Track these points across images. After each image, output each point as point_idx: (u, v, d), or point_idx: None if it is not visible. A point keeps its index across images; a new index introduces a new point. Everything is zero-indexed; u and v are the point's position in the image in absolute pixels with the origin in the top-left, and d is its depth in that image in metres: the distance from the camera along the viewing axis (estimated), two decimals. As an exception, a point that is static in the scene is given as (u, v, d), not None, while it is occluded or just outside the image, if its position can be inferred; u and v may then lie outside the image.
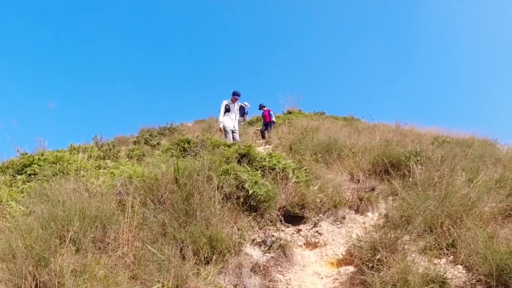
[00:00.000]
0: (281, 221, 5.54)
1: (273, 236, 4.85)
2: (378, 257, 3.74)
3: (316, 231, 5.24)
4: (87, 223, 3.84)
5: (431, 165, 5.99)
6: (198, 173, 4.96)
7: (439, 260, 3.80)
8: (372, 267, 3.70)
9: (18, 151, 7.60)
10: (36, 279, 3.16)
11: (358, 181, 6.80)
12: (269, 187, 5.31)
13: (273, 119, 16.28)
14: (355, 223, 5.46)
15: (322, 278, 4.30)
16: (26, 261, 3.20)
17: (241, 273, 4.05)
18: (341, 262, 4.55)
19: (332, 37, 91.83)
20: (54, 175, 5.76)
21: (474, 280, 3.44)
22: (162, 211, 4.43)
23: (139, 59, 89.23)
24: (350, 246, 4.48)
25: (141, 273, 3.50)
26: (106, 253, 3.72)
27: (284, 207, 5.63)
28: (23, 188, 5.47)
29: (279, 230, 5.27)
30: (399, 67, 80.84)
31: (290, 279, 4.21)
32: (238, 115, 11.41)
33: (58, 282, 3.15)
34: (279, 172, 6.14)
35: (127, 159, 8.10)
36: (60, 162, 6.58)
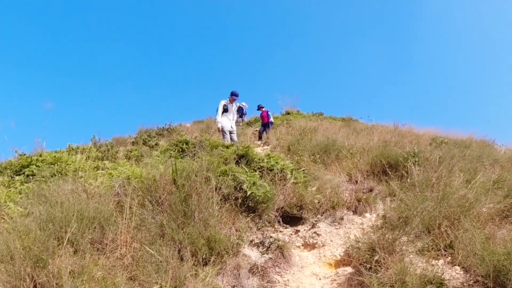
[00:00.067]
0: (279, 222, 5.55)
1: (271, 237, 4.86)
2: (376, 258, 3.75)
3: (314, 232, 5.24)
4: (85, 224, 3.84)
5: (429, 166, 6.00)
6: (196, 174, 4.95)
7: (436, 261, 3.81)
8: (370, 268, 3.71)
9: (16, 151, 7.59)
10: (34, 281, 3.16)
11: (356, 182, 6.81)
12: (267, 188, 5.32)
13: (271, 119, 16.29)
14: (353, 224, 5.47)
15: (320, 279, 4.31)
16: (24, 262, 3.19)
17: (239, 274, 4.05)
18: (339, 263, 4.56)
19: (330, 37, 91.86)
20: (52, 176, 5.76)
21: (472, 281, 3.45)
22: (160, 212, 4.43)
23: (138, 59, 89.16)
24: (348, 247, 4.49)
25: (139, 274, 3.50)
26: (104, 254, 3.72)
27: (282, 208, 5.63)
28: (21, 189, 5.47)
29: (277, 231, 5.28)
30: (397, 68, 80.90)
31: (288, 280, 4.22)
32: (236, 116, 11.41)
33: (56, 284, 3.15)
34: (277, 173, 6.14)
35: (125, 160, 8.09)
36: (58, 163, 6.58)
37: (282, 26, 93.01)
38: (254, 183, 5.29)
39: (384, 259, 3.67)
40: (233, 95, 10.76)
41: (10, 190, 5.39)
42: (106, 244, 3.84)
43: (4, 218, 4.28)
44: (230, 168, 5.59)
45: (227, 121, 10.69)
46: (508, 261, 3.17)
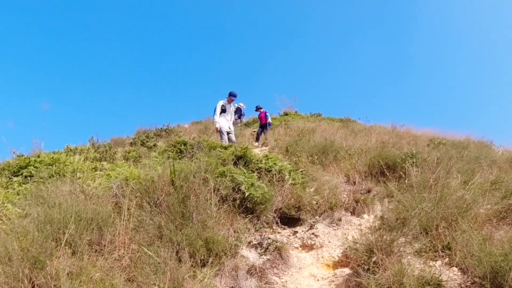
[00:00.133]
0: (277, 223, 5.55)
1: (269, 238, 4.86)
2: (373, 259, 3.76)
3: (312, 233, 5.25)
4: (83, 225, 3.84)
5: (427, 167, 6.01)
6: (195, 175, 4.96)
7: (434, 263, 3.82)
8: (368, 269, 3.72)
9: (14, 152, 7.59)
10: (32, 282, 3.16)
11: (354, 183, 6.82)
12: (265, 189, 5.32)
13: (269, 120, 16.29)
14: (351, 225, 5.47)
15: (318, 280, 4.31)
16: (22, 264, 3.20)
17: (237, 276, 4.06)
18: (337, 264, 4.57)
19: (329, 38, 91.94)
20: (50, 177, 5.76)
21: (469, 282, 3.46)
22: (158, 214, 4.44)
23: (136, 60, 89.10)
24: (346, 248, 4.49)
25: (138, 276, 3.50)
26: (102, 255, 3.72)
27: (280, 209, 5.64)
28: (19, 190, 5.46)
29: (275, 232, 5.28)
30: (396, 68, 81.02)
31: (286, 281, 4.22)
32: (233, 116, 11.40)
33: (54, 285, 3.15)
34: (275, 174, 6.14)
35: (123, 160, 8.10)
36: (56, 164, 6.57)
37: (280, 27, 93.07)
38: (252, 184, 5.29)
39: (382, 260, 3.68)
40: (231, 96, 10.75)
41: (8, 191, 5.38)
42: (104, 246, 3.84)
43: (2, 219, 4.28)
44: (228, 169, 5.59)
45: (225, 122, 10.68)
46: (506, 262, 3.18)
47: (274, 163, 6.53)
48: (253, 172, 6.14)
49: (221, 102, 10.65)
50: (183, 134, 15.84)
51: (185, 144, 8.37)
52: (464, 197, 4.50)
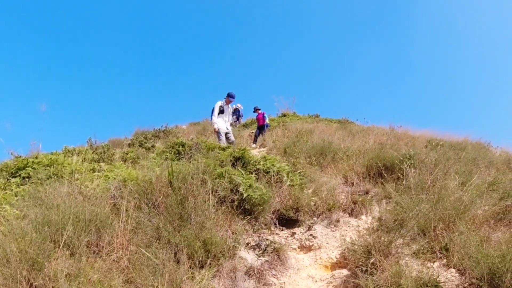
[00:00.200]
0: (275, 224, 5.55)
1: (267, 239, 4.86)
2: (371, 260, 3.76)
3: (311, 235, 5.25)
4: (81, 227, 3.84)
5: (425, 168, 6.03)
6: (193, 177, 4.96)
7: (432, 264, 3.83)
8: (366, 270, 3.72)
9: (12, 154, 7.57)
10: (31, 284, 3.16)
11: (352, 184, 6.83)
12: (263, 190, 5.33)
13: (267, 121, 16.31)
14: (349, 226, 5.48)
15: (316, 281, 4.31)
16: (20, 265, 3.19)
17: (235, 277, 4.06)
18: (335, 266, 4.57)
19: (327, 40, 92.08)
20: (48, 178, 5.75)
21: (467, 283, 3.47)
22: (156, 215, 4.44)
23: (134, 61, 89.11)
24: (344, 250, 4.50)
25: (136, 277, 3.50)
26: (101, 257, 3.71)
27: (278, 210, 5.64)
28: (17, 191, 5.45)
29: (273, 233, 5.28)
30: (393, 70, 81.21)
31: (284, 282, 4.23)
32: (231, 117, 11.38)
33: (53, 287, 3.14)
34: (273, 175, 6.15)
35: (121, 162, 8.08)
36: (54, 165, 6.56)
37: (279, 28, 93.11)
38: (250, 186, 5.30)
39: (379, 261, 3.69)
40: (230, 97, 10.72)
41: (6, 193, 5.37)
42: (103, 247, 3.84)
43: (0, 221, 4.27)
44: (226, 170, 5.59)
45: (223, 123, 10.65)
46: (503, 263, 3.19)
47: (272, 164, 6.53)
48: (251, 173, 6.15)
49: (219, 103, 10.60)
50: (181, 135, 15.85)
51: (183, 145, 8.37)
52: (461, 199, 4.51)
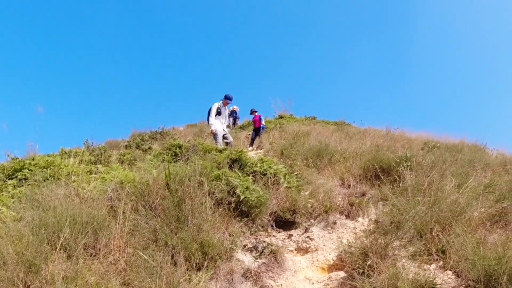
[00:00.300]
0: (272, 226, 5.55)
1: (264, 241, 4.87)
2: (368, 263, 3.77)
3: (307, 237, 5.26)
4: (78, 229, 3.83)
5: (421, 170, 6.04)
6: (190, 179, 4.96)
7: (428, 266, 3.84)
8: (363, 273, 3.73)
9: (8, 155, 7.56)
10: (27, 286, 3.15)
11: (349, 186, 6.84)
12: (260, 192, 5.33)
13: (263, 122, 16.33)
14: (346, 229, 5.49)
15: (313, 283, 4.32)
16: (17, 267, 3.18)
17: (232, 279, 4.06)
18: (332, 268, 4.58)
19: (324, 42, 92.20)
20: (45, 180, 5.73)
21: (463, 285, 3.48)
22: (153, 217, 4.43)
23: (131, 62, 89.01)
24: (341, 252, 4.51)
25: (133, 280, 3.50)
26: (98, 259, 3.71)
27: (275, 212, 5.64)
28: (14, 193, 5.44)
29: (270, 235, 5.29)
30: (390, 72, 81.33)
31: (281, 284, 4.23)
32: (227, 119, 11.36)
33: (49, 289, 3.14)
34: (270, 177, 6.15)
35: (118, 163, 8.06)
36: (51, 167, 6.54)
37: (276, 31, 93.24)
38: (247, 188, 5.30)
39: (376, 263, 3.70)
40: (227, 99, 10.69)
41: (2, 194, 5.36)
42: (100, 249, 3.83)
43: (-4, 223, 4.26)
44: (223, 172, 5.59)
45: (220, 124, 10.62)
46: (499, 265, 3.21)
47: (269, 166, 6.54)
48: (248, 175, 6.15)
49: (216, 105, 10.57)
50: (178, 137, 15.82)
51: (180, 147, 8.35)
52: (458, 201, 4.53)
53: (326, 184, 6.65)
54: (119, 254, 3.83)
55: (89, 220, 3.99)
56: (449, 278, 3.62)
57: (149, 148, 11.87)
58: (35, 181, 5.70)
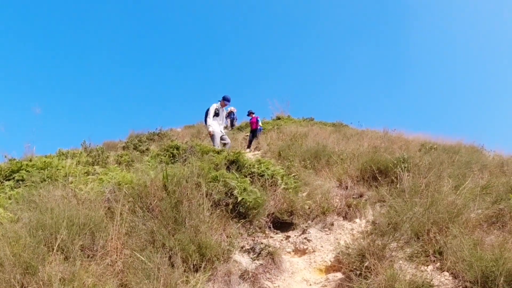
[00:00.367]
0: (270, 227, 5.55)
1: (261, 243, 4.86)
2: (366, 264, 3.78)
3: (305, 238, 5.26)
4: (76, 230, 3.83)
5: (419, 171, 6.05)
6: (187, 180, 4.96)
7: (426, 267, 3.85)
8: (360, 274, 3.74)
9: (6, 156, 7.54)
10: (24, 288, 3.15)
11: (347, 187, 6.84)
12: (258, 194, 5.32)
13: (260, 124, 16.36)
14: (343, 230, 5.49)
15: (310, 285, 4.32)
16: (14, 269, 3.18)
17: (230, 281, 4.06)
18: (329, 269, 4.58)
19: (321, 43, 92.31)
20: (42, 181, 5.73)
21: (461, 287, 3.49)
22: (151, 219, 4.43)
23: (128, 63, 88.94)
24: (339, 253, 4.51)
25: (130, 281, 3.49)
26: (95, 261, 3.70)
27: (273, 213, 5.64)
28: (11, 194, 5.43)
29: (268, 237, 5.28)
30: (388, 73, 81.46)
31: (279, 286, 4.23)
32: (225, 120, 11.35)
33: (46, 291, 3.14)
34: (268, 179, 6.15)
35: (116, 165, 8.06)
36: (49, 168, 6.53)
37: (273, 32, 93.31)
38: (244, 189, 5.29)
39: (374, 265, 3.70)
40: (225, 100, 10.69)
41: (-1, 196, 5.35)
42: (97, 251, 3.83)
43: (-7, 224, 4.25)
44: (221, 174, 5.59)
45: (217, 126, 10.62)
46: (496, 267, 3.22)
47: (267, 168, 6.54)
48: (246, 176, 6.15)
49: (214, 106, 10.57)
50: (176, 138, 15.85)
51: (177, 149, 8.35)
52: (455, 202, 4.54)
53: (324, 185, 6.66)
54: (116, 255, 3.83)
55: (86, 222, 3.99)
56: (446, 279, 3.63)
57: (147, 149, 11.87)
58: (32, 182, 5.70)
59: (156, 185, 4.94)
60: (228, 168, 6.51)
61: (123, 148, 13.23)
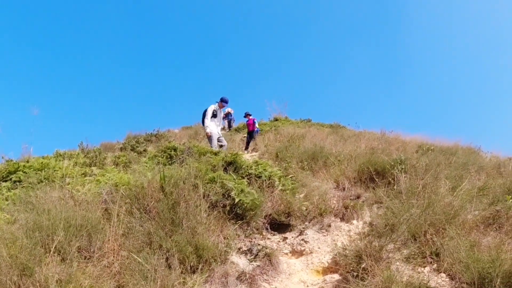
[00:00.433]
0: (267, 229, 5.55)
1: (259, 244, 4.86)
2: (363, 265, 3.78)
3: (302, 239, 5.26)
4: (72, 232, 3.82)
5: (416, 173, 6.06)
6: (184, 182, 4.95)
7: (422, 269, 3.85)
8: (357, 275, 3.74)
9: (3, 157, 7.53)
10: (21, 289, 3.14)
11: (344, 189, 6.85)
12: (255, 195, 5.32)
13: (257, 125, 16.38)
14: (340, 231, 5.49)
15: (308, 286, 4.32)
16: (11, 271, 3.17)
17: (227, 282, 4.05)
18: (326, 270, 4.58)
19: (319, 45, 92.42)
20: (39, 183, 5.72)
21: (457, 288, 3.49)
22: (148, 220, 4.42)
23: (126, 64, 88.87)
24: (336, 255, 4.51)
25: (127, 283, 3.49)
26: (92, 262, 3.70)
27: (270, 215, 5.64)
28: (8, 195, 5.43)
29: (265, 238, 5.28)
30: (385, 75, 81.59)
31: (276, 287, 4.23)
32: (222, 122, 11.35)
33: (43, 292, 3.13)
34: (265, 180, 6.15)
35: (113, 166, 8.06)
36: (46, 169, 6.53)
37: (270, 33, 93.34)
38: (242, 190, 5.30)
39: (371, 266, 3.70)
40: (223, 102, 10.69)
41: (-4, 197, 5.34)
42: (94, 252, 3.82)
43: (-10, 226, 4.24)
44: (218, 175, 5.59)
45: (215, 127, 10.61)
46: (493, 268, 3.22)
47: (264, 169, 6.54)
48: (243, 178, 6.15)
49: (212, 107, 10.55)
50: (173, 139, 15.84)
51: (175, 150, 8.35)
52: (452, 204, 4.54)
53: (321, 186, 6.66)
54: (113, 257, 3.82)
55: (83, 223, 3.99)
56: (443, 280, 3.63)
57: (144, 150, 11.87)
58: (29, 183, 5.70)
59: (153, 186, 4.93)
60: (225, 170, 6.51)
61: (121, 149, 13.22)
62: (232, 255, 4.52)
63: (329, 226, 5.58)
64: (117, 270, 3.68)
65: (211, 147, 9.92)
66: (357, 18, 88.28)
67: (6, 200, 5.23)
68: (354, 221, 5.70)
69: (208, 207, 4.85)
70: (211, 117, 10.52)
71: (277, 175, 6.47)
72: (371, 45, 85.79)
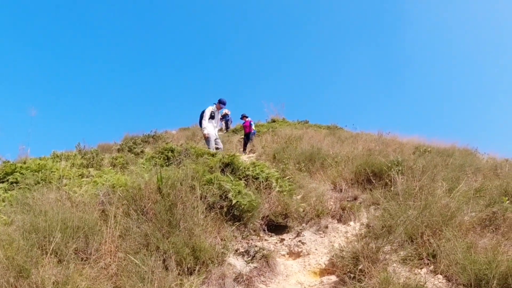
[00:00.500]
0: (264, 230, 5.55)
1: (256, 246, 4.86)
2: (360, 267, 3.78)
3: (299, 241, 5.26)
4: (69, 233, 3.82)
5: (413, 174, 6.07)
6: (182, 183, 4.95)
7: (419, 270, 3.85)
8: (354, 277, 3.74)
9: (0, 158, 7.52)
10: (17, 291, 3.14)
11: (341, 190, 6.86)
12: (253, 196, 5.32)
13: (253, 127, 16.40)
14: (337, 233, 5.50)
15: (305, 287, 4.32)
16: (7, 272, 3.17)
17: (224, 284, 4.05)
18: (323, 272, 4.58)
19: (316, 46, 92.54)
20: (36, 184, 5.71)
21: (454, 289, 3.50)
22: (145, 222, 4.42)
23: (123, 66, 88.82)
24: (333, 256, 4.51)
25: (124, 284, 3.48)
26: (89, 264, 3.69)
27: (267, 216, 5.64)
28: (5, 197, 5.41)
29: (262, 239, 5.28)
30: (383, 76, 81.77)
31: (273, 289, 4.23)
32: (220, 123, 11.35)
33: (40, 294, 3.13)
34: (262, 182, 6.15)
35: (110, 167, 8.06)
36: (43, 170, 6.52)
37: (268, 35, 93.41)
38: (239, 192, 5.29)
39: (368, 268, 3.71)
40: (221, 103, 10.70)
41: (-7, 198, 5.33)
42: (91, 254, 3.82)
43: (-14, 227, 4.23)
44: (215, 176, 5.59)
45: (212, 128, 10.62)
46: (489, 270, 3.23)
47: (261, 171, 6.54)
48: (240, 179, 6.15)
49: (210, 108, 10.56)
50: (171, 140, 15.82)
51: (172, 151, 8.35)
52: (448, 205, 4.55)
53: (318, 188, 6.66)
54: (110, 258, 3.82)
55: (80, 225, 3.98)
56: (439, 282, 3.64)
57: (142, 151, 11.85)
58: (26, 184, 5.68)
59: (150, 187, 4.93)
60: (222, 171, 6.51)
61: (118, 150, 13.20)
62: (229, 256, 4.52)
63: (326, 227, 5.58)
64: (114, 271, 3.67)
65: (208, 148, 9.92)
66: (355, 21, 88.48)
67: (3, 201, 5.21)
68: (351, 223, 5.70)
69: (205, 208, 4.85)
70: (209, 118, 10.52)
71: (274, 176, 6.48)
72: (368, 46, 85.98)
